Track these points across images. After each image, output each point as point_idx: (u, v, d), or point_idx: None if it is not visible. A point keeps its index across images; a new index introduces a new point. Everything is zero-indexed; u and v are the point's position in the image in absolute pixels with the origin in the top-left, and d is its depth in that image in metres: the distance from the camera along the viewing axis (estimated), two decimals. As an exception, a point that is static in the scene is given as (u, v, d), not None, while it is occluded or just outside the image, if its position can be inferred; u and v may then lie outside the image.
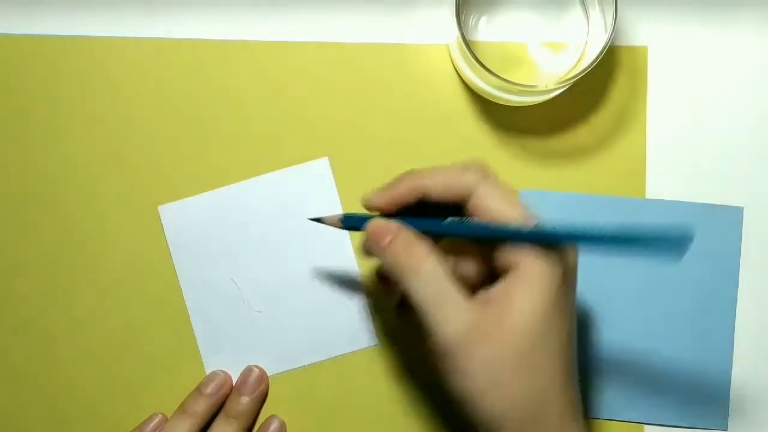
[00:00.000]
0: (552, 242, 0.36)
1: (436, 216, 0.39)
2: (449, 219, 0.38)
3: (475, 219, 0.38)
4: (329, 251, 0.47)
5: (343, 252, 0.47)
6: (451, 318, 0.36)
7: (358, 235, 0.44)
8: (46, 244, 0.47)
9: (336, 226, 0.42)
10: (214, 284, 0.47)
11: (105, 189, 0.47)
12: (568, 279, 0.37)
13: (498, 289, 0.37)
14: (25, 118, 0.47)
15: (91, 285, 0.47)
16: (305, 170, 0.47)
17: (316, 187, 0.47)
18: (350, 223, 0.42)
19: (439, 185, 0.39)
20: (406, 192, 0.39)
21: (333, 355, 0.47)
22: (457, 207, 0.39)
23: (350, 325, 0.47)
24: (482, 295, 0.37)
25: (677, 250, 0.29)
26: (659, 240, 0.30)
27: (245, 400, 0.46)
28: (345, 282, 0.47)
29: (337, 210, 0.47)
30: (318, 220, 0.43)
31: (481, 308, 0.36)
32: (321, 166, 0.47)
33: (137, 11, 0.47)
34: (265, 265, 0.47)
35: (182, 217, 0.47)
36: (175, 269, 0.47)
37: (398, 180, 0.39)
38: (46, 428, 0.47)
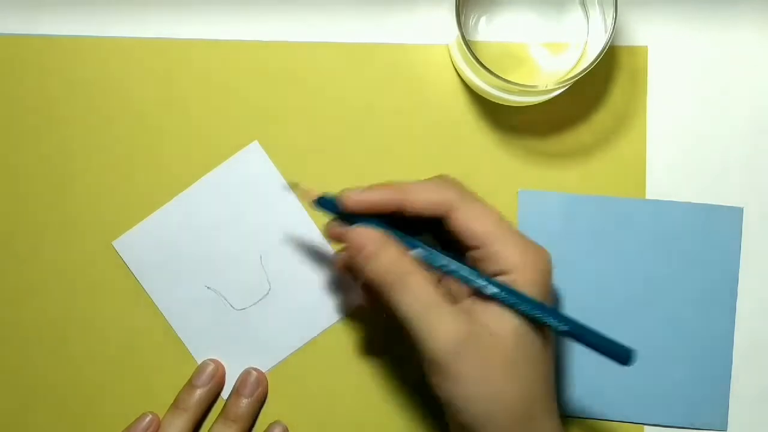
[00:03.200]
0: (516, 308, 0.37)
1: (407, 229, 0.39)
2: (418, 250, 0.38)
3: (448, 253, 0.39)
4: (294, 234, 0.47)
5: (308, 230, 0.47)
6: (442, 329, 0.37)
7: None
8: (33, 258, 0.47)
9: (306, 199, 0.42)
10: (190, 297, 0.47)
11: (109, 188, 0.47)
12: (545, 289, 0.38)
13: (483, 299, 0.38)
14: (24, 118, 0.47)
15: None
16: (239, 160, 0.47)
17: (255, 172, 0.47)
18: (324, 204, 0.41)
19: (419, 201, 0.39)
20: (384, 200, 0.39)
21: (320, 330, 0.47)
22: (429, 221, 0.39)
23: (329, 299, 0.47)
24: (467, 304, 0.38)
25: (624, 360, 0.34)
26: (610, 346, 0.34)
27: (244, 403, 0.46)
28: (316, 261, 0.47)
29: (283, 187, 0.47)
30: (293, 184, 0.43)
31: (467, 318, 0.37)
32: (254, 151, 0.47)
33: (137, 11, 0.47)
34: (235, 262, 0.47)
35: (138, 246, 0.47)
36: (148, 294, 0.47)
37: (378, 186, 0.40)
38: (43, 428, 0.47)
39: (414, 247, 0.39)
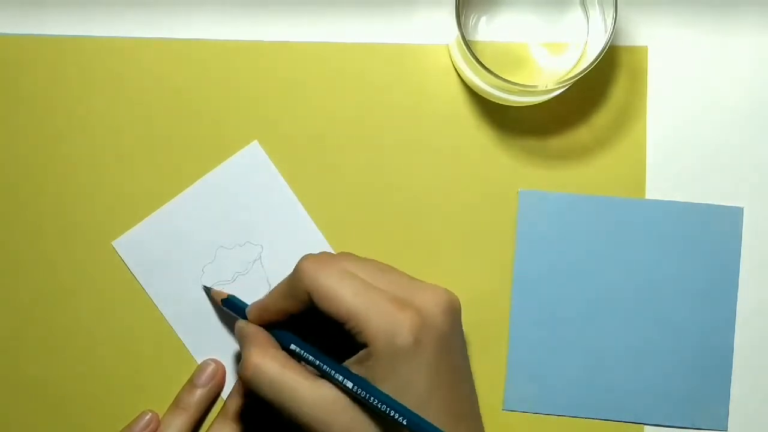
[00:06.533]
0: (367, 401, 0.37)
1: None
2: (291, 347, 0.41)
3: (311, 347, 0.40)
4: (293, 232, 0.47)
5: (308, 230, 0.47)
6: (297, 402, 0.38)
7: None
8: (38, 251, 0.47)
9: (217, 303, 0.46)
10: (190, 297, 0.47)
11: (105, 192, 0.47)
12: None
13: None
14: (24, 118, 0.47)
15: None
16: (239, 160, 0.47)
17: (255, 172, 0.47)
18: (228, 306, 0.45)
19: (281, 311, 0.41)
20: (273, 318, 0.42)
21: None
22: None
23: None
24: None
25: None
26: None
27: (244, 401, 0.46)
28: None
29: (283, 187, 0.47)
30: (207, 289, 0.46)
31: (324, 385, 0.38)
32: (253, 151, 0.47)
33: (137, 11, 0.47)
34: (235, 261, 0.47)
35: (138, 246, 0.47)
36: (148, 294, 0.47)
37: (256, 310, 0.42)
38: (43, 428, 0.47)
39: (289, 343, 0.41)
